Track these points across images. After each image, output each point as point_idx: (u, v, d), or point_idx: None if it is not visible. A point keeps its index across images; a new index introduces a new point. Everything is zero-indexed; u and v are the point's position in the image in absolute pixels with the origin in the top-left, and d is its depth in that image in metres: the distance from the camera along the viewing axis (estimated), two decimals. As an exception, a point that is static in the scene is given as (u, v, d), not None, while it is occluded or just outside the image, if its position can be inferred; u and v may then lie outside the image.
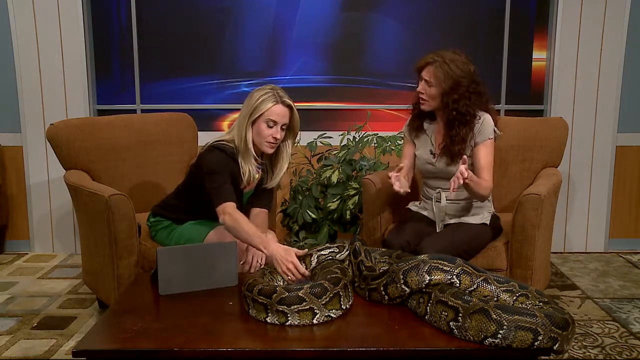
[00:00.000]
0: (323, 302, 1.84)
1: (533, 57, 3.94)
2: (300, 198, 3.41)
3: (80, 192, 2.76)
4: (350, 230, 3.40)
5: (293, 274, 2.11)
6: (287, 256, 2.14)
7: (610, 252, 3.99)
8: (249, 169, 2.47)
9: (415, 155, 2.77)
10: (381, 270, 1.98)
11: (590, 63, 3.82)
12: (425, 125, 2.74)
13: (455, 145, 2.57)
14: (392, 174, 2.47)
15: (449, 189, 2.59)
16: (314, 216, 3.35)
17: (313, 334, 1.81)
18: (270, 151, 2.49)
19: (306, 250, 2.22)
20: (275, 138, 2.44)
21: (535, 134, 3.11)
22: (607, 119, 3.88)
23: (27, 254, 3.94)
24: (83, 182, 2.81)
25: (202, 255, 2.11)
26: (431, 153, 2.69)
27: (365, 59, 3.93)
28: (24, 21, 3.72)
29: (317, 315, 1.84)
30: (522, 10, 3.90)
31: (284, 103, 2.44)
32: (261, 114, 2.42)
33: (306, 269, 2.18)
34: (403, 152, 2.85)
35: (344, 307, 1.91)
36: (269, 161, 2.60)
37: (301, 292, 1.84)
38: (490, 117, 2.62)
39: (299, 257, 2.18)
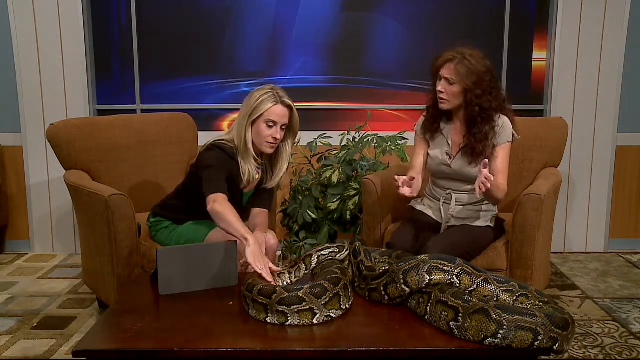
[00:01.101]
0: (323, 302, 1.84)
1: (533, 57, 3.94)
2: (300, 198, 3.41)
3: (80, 192, 2.76)
4: (351, 231, 3.40)
5: (262, 272, 2.05)
6: (261, 257, 2.10)
7: (610, 252, 3.99)
8: (249, 169, 2.47)
9: (428, 154, 2.72)
10: (381, 270, 1.98)
11: (590, 63, 3.82)
12: (442, 125, 2.69)
13: (478, 143, 2.53)
14: (401, 179, 2.43)
15: (463, 192, 2.59)
16: (314, 216, 3.35)
17: (313, 334, 1.81)
18: (270, 151, 2.49)
19: (280, 269, 2.17)
20: (275, 138, 2.44)
21: (535, 134, 3.11)
22: (607, 119, 3.88)
23: (27, 254, 3.94)
24: (83, 182, 2.81)
25: (202, 255, 2.11)
26: (447, 154, 2.65)
27: (365, 59, 3.93)
28: (24, 21, 3.72)
29: (317, 315, 1.84)
30: (522, 10, 3.90)
31: (283, 103, 2.43)
32: (261, 114, 2.42)
33: (306, 269, 2.17)
34: (415, 150, 2.78)
35: (344, 307, 1.91)
36: (268, 161, 2.60)
37: (301, 292, 1.84)
38: (509, 120, 2.59)
39: (299, 258, 2.18)
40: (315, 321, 1.84)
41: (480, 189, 2.31)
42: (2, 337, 2.74)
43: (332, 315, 1.87)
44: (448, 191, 2.67)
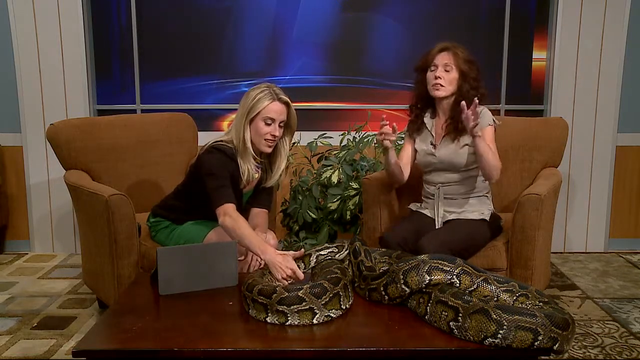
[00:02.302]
0: (323, 302, 1.84)
1: (533, 57, 3.94)
2: (300, 198, 3.41)
3: (80, 192, 2.76)
4: (351, 231, 3.40)
5: (292, 279, 2.10)
6: (285, 263, 2.12)
7: (610, 252, 3.99)
8: (248, 168, 2.47)
9: (416, 150, 2.78)
10: (381, 271, 1.98)
11: (590, 63, 3.82)
12: (426, 120, 2.76)
13: (461, 121, 2.57)
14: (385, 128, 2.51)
15: (462, 181, 2.66)
16: (314, 216, 3.35)
17: (313, 334, 1.81)
18: (269, 150, 2.49)
19: (303, 250, 2.21)
20: (273, 136, 2.44)
21: (535, 134, 3.12)
22: (607, 119, 3.88)
23: (27, 254, 3.94)
24: (83, 182, 2.81)
25: (202, 255, 2.11)
26: (431, 144, 2.71)
27: (365, 59, 3.93)
28: (24, 21, 3.72)
29: (317, 315, 1.84)
30: (522, 10, 3.90)
31: (280, 100, 2.44)
32: (258, 113, 2.42)
33: (305, 268, 2.17)
34: (402, 147, 2.86)
35: (344, 307, 1.91)
36: (267, 160, 2.60)
37: (301, 292, 1.84)
38: (488, 110, 2.66)
39: (297, 259, 2.18)
40: (315, 321, 1.84)
41: (470, 120, 2.39)
42: (2, 337, 2.74)
43: (332, 315, 1.87)
44: (437, 185, 2.69)
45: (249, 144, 2.44)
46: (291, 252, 2.19)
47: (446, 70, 2.61)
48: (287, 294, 1.83)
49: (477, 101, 2.41)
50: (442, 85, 2.62)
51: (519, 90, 3.96)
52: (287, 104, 2.47)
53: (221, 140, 2.48)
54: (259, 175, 2.58)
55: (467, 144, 2.62)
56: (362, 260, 2.07)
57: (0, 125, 3.87)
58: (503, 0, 3.85)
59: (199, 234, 2.52)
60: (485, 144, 2.51)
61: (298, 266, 2.16)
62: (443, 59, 2.62)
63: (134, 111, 3.91)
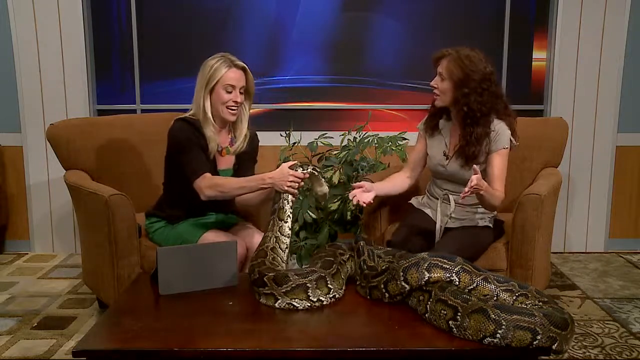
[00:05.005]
0: (283, 290, 1.94)
1: (533, 57, 3.94)
2: (300, 198, 3.40)
3: (80, 192, 2.76)
4: (351, 231, 3.40)
5: (297, 184, 2.28)
6: (285, 176, 2.27)
7: (610, 252, 3.99)
8: (212, 136, 2.49)
9: (427, 153, 2.72)
10: (382, 269, 1.98)
11: (590, 63, 3.82)
12: (441, 124, 2.68)
13: (471, 146, 2.51)
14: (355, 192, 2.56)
15: (460, 195, 2.57)
16: (314, 216, 3.34)
17: (313, 334, 1.82)
18: (233, 118, 2.52)
19: (296, 162, 2.36)
20: (235, 102, 2.49)
21: (535, 134, 3.12)
22: (607, 119, 3.88)
23: (27, 254, 3.94)
24: (83, 182, 2.81)
25: (202, 255, 2.11)
26: (444, 155, 2.64)
27: (365, 59, 3.93)
28: (24, 21, 3.72)
29: (279, 301, 1.95)
30: (522, 10, 3.90)
31: (237, 66, 2.49)
32: (217, 81, 2.46)
33: (304, 170, 2.34)
34: (415, 147, 2.80)
35: (315, 300, 1.95)
36: (231, 128, 2.63)
37: (265, 277, 1.96)
38: (506, 126, 2.53)
39: (293, 167, 2.32)
40: (277, 305, 1.95)
41: (464, 193, 2.27)
42: (2, 337, 2.74)
43: (294, 304, 1.93)
44: (445, 192, 2.67)
45: (209, 114, 2.48)
46: (283, 165, 2.32)
47: (442, 79, 2.54)
48: (257, 276, 1.99)
49: (469, 189, 2.26)
50: (437, 94, 2.57)
51: (519, 90, 3.96)
52: (244, 69, 2.51)
53: (186, 115, 2.54)
54: (234, 149, 2.59)
55: (481, 162, 2.54)
56: (365, 259, 2.08)
57: (0, 125, 3.87)
58: (503, 1, 3.85)
59: (195, 234, 2.52)
60: (486, 193, 2.37)
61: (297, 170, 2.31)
62: (440, 66, 2.55)
63: (134, 111, 3.91)
